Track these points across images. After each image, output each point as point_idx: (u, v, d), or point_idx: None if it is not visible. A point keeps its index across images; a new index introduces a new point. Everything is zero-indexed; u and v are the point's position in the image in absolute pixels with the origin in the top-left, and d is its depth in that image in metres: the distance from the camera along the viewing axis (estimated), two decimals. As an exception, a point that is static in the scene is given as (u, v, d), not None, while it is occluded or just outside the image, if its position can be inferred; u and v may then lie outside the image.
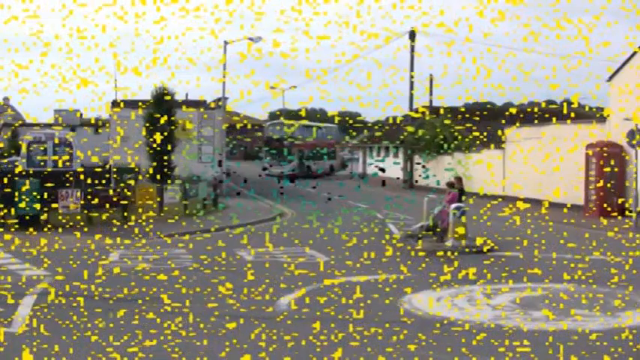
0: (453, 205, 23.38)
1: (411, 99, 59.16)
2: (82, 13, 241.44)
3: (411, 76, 58.65)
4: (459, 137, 55.15)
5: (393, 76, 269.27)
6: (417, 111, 61.28)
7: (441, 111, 58.79)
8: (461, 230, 22.97)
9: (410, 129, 58.49)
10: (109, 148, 50.06)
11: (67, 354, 10.95)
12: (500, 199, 44.52)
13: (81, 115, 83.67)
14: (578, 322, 13.07)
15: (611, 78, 36.81)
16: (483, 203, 40.54)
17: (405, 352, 11.08)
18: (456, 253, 22.00)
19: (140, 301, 14.81)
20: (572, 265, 20.18)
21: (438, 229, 24.67)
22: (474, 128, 58.50)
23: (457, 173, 30.82)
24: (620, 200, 34.83)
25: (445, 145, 54.56)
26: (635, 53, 35.22)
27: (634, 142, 30.67)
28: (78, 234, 26.02)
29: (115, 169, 44.77)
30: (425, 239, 24.25)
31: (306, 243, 24.57)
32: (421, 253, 22.47)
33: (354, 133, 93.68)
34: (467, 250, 22.51)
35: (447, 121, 56.47)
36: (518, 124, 48.46)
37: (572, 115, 57.31)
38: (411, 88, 58.72)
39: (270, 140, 74.18)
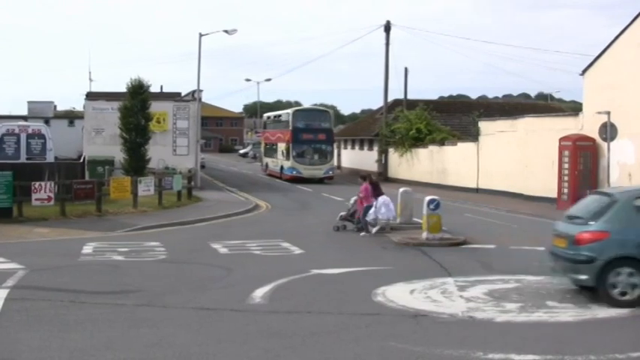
0: (427, 198, 23.48)
1: (386, 92, 59.23)
2: (57, 3, 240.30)
3: (386, 69, 58.65)
4: (434, 130, 55.30)
5: (369, 69, 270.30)
6: (392, 104, 61.47)
7: (417, 104, 58.89)
8: (435, 223, 23.05)
9: (385, 121, 58.67)
10: (83, 140, 49.80)
11: (42, 346, 10.91)
12: (474, 192, 44.74)
13: (55, 107, 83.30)
14: (550, 313, 13.17)
15: (584, 71, 37.02)
16: (458, 196, 40.67)
17: (378, 343, 11.12)
18: (429, 246, 22.08)
19: (114, 293, 14.77)
20: (545, 257, 20.30)
21: (356, 218, 26.04)
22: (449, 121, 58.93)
23: (367, 173, 31.24)
24: (593, 193, 35.01)
25: (420, 138, 54.68)
26: (608, 47, 35.43)
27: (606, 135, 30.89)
28: (51, 226, 25.93)
29: (89, 162, 44.62)
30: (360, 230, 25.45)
31: (281, 235, 24.59)
32: (395, 246, 22.54)
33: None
34: (441, 242, 22.60)
35: (421, 114, 56.57)
36: (492, 118, 48.72)
37: (547, 108, 57.61)
38: (386, 80, 58.75)
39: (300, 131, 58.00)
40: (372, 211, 25.33)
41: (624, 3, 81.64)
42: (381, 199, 25.62)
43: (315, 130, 58.19)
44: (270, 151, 64.92)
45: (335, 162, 61.06)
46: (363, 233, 25.24)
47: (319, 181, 55.53)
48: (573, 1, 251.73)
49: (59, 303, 13.71)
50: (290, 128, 57.72)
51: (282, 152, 59.34)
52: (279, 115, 65.61)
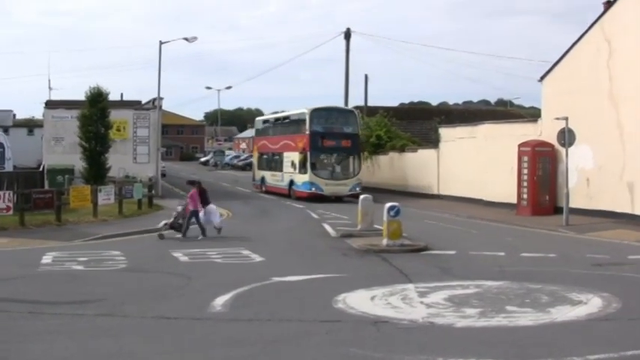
0: (388, 205, 23.54)
1: (346, 98, 59.40)
2: (16, 10, 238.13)
3: (347, 76, 58.76)
4: (394, 137, 55.48)
5: (330, 76, 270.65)
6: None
7: (377, 111, 59.01)
8: (395, 229, 23.12)
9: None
10: (42, 149, 49.51)
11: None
12: (435, 198, 44.94)
13: (14, 115, 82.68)
14: (509, 317, 13.25)
15: (543, 78, 37.37)
16: (418, 202, 40.84)
17: (339, 350, 11.13)
18: (390, 252, 22.14)
19: (73, 304, 14.67)
20: (505, 262, 20.48)
21: (180, 223, 26.47)
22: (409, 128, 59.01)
23: (196, 179, 31.45)
24: (551, 198, 35.44)
25: (380, 145, 54.78)
26: (566, 53, 35.79)
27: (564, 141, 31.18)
28: (10, 236, 25.71)
29: (48, 170, 44.35)
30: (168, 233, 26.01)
31: (242, 243, 24.56)
32: (355, 253, 22.59)
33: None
34: (401, 248, 22.67)
35: (382, 121, 56.70)
36: (452, 124, 49.00)
37: (507, 114, 58.06)
38: (347, 87, 58.92)
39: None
40: (208, 215, 26.51)
41: (581, 10, 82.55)
42: (211, 206, 27.01)
43: (339, 135, 47.27)
44: (270, 162, 53.65)
45: (361, 175, 48.14)
46: (200, 237, 25.87)
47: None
48: (531, 8, 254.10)
49: (17, 314, 13.57)
50: (307, 132, 46.43)
51: (293, 163, 47.92)
52: (287, 117, 53.81)
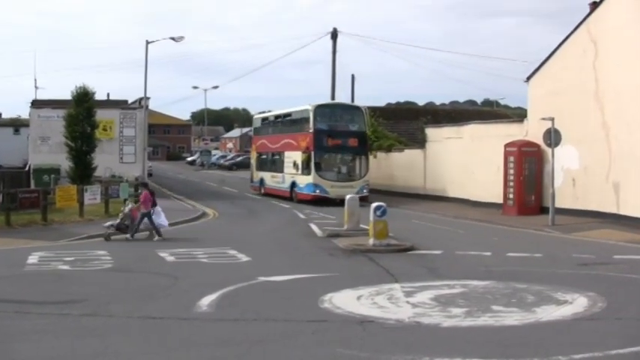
0: (374, 205, 23.57)
1: (333, 99, 59.15)
2: (1, 10, 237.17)
3: (333, 76, 58.72)
4: (381, 137, 55.49)
5: (317, 76, 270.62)
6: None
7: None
8: (382, 229, 23.14)
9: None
10: (28, 148, 49.40)
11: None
12: (421, 198, 45.00)
13: (0, 114, 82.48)
14: (495, 317, 13.28)
15: (529, 78, 37.51)
16: (405, 202, 40.86)
17: (325, 350, 11.14)
18: (376, 252, 22.16)
19: (59, 303, 14.63)
20: (491, 262, 20.53)
21: (127, 225, 26.04)
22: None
23: (142, 179, 31.46)
24: (537, 198, 35.55)
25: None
26: (552, 54, 35.90)
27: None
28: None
29: (34, 170, 44.25)
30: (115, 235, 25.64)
31: (228, 243, 24.54)
32: (342, 252, 22.60)
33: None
34: (388, 248, 22.69)
35: (368, 121, 56.69)
36: (439, 124, 49.10)
37: (493, 114, 58.17)
38: (333, 87, 58.86)
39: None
40: (156, 216, 26.06)
41: (568, 11, 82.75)
42: (158, 208, 26.45)
43: (345, 133, 44.75)
44: (270, 163, 51.11)
45: (369, 176, 44.96)
46: (156, 238, 25.62)
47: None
48: (517, 8, 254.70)
49: (3, 314, 13.52)
50: (311, 130, 43.69)
51: (296, 164, 45.29)
52: (288, 114, 49.95)
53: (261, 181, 51.49)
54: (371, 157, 46.76)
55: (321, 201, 42.33)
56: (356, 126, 45.04)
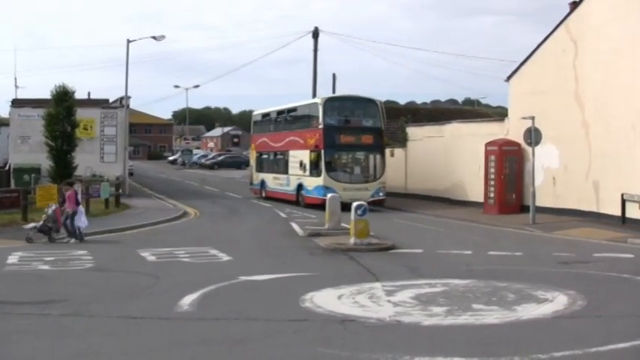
0: (355, 204, 23.59)
1: (314, 97, 59.27)
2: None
3: (315, 75, 58.71)
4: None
5: (298, 75, 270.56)
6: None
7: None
8: (363, 228, 23.17)
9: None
10: (9, 147, 49.17)
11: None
12: (403, 197, 45.05)
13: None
14: (476, 316, 13.32)
15: (509, 77, 37.63)
16: (386, 201, 40.87)
17: (306, 349, 11.15)
18: (357, 251, 22.18)
19: (40, 304, 14.57)
20: (471, 260, 20.59)
21: (50, 227, 25.25)
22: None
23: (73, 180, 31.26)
24: (518, 197, 35.69)
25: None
26: (532, 53, 36.04)
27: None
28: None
29: (15, 169, 44.03)
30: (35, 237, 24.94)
31: (210, 242, 24.51)
32: (323, 251, 22.61)
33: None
34: (369, 247, 22.72)
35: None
36: (420, 123, 49.18)
37: (474, 113, 58.27)
38: (315, 86, 58.82)
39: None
40: (77, 217, 25.39)
41: (548, 10, 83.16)
42: (80, 208, 25.95)
43: (359, 129, 40.50)
44: (272, 163, 46.86)
45: (385, 178, 40.67)
46: (72, 240, 25.06)
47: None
48: (497, 7, 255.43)
49: (-17, 314, 13.48)
50: (320, 126, 39.44)
51: (302, 164, 40.94)
52: (293, 109, 45.42)
53: (262, 183, 47.40)
54: (387, 156, 42.79)
55: None
56: (370, 121, 40.69)
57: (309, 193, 40.09)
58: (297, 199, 41.29)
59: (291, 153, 42.62)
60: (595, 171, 31.47)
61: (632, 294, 16.03)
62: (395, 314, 13.44)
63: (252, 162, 50.42)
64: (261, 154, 48.51)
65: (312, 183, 39.66)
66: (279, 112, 47.29)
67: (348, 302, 14.54)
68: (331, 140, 39.08)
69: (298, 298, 14.73)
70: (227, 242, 24.73)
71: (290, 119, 45.30)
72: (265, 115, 49.87)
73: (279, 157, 45.02)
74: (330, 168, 39.17)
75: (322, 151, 38.93)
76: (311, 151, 39.81)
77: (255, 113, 52.79)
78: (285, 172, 43.41)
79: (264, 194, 46.74)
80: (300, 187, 41.13)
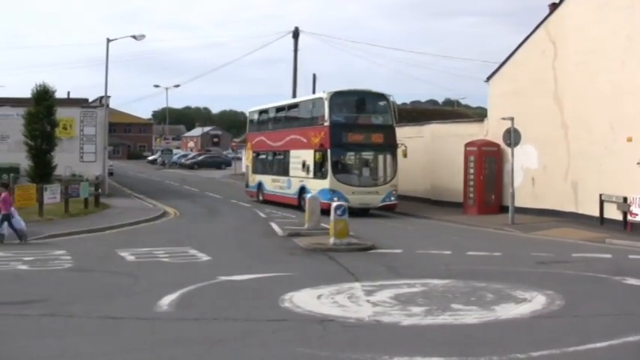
0: (335, 204, 23.61)
1: (294, 97, 59.25)
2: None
3: (295, 75, 58.66)
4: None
5: (278, 75, 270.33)
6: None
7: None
8: (342, 228, 23.18)
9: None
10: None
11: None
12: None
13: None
14: (455, 315, 13.36)
15: (489, 78, 37.75)
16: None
17: (285, 349, 11.15)
18: (337, 251, 22.20)
19: (18, 304, 14.51)
20: (451, 260, 20.66)
21: None
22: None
23: (6, 181, 31.09)
24: (497, 197, 35.81)
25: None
26: (512, 54, 36.19)
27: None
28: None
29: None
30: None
31: (189, 242, 24.48)
32: (302, 251, 22.62)
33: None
34: (348, 247, 22.74)
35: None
36: (400, 124, 49.18)
37: (454, 114, 58.44)
38: (295, 86, 58.79)
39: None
40: (16, 220, 24.88)
41: (527, 11, 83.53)
42: (13, 210, 25.30)
43: (369, 127, 37.08)
44: (270, 164, 43.21)
45: (397, 180, 36.93)
46: (19, 241, 24.58)
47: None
48: (477, 8, 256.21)
49: (-39, 314, 13.42)
50: (326, 124, 35.74)
51: (305, 165, 37.29)
52: (295, 105, 42.45)
53: (259, 185, 43.81)
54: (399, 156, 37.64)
55: None
56: (381, 118, 37.42)
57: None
58: (300, 203, 36.85)
59: (293, 153, 39.23)
60: (574, 171, 31.63)
61: (609, 294, 16.12)
62: (374, 314, 13.47)
63: (248, 163, 47.39)
64: (258, 155, 45.16)
65: (316, 186, 35.79)
66: (279, 109, 43.73)
67: (328, 302, 14.56)
68: (338, 139, 35.52)
69: (277, 298, 14.73)
70: (206, 242, 24.70)
71: (291, 116, 41.69)
72: (263, 112, 46.06)
73: (279, 157, 41.56)
74: (337, 169, 35.75)
75: (328, 150, 35.34)
76: (315, 151, 36.14)
77: (251, 110, 48.93)
78: (286, 173, 39.95)
79: (261, 197, 43.37)
80: (302, 190, 37.34)
